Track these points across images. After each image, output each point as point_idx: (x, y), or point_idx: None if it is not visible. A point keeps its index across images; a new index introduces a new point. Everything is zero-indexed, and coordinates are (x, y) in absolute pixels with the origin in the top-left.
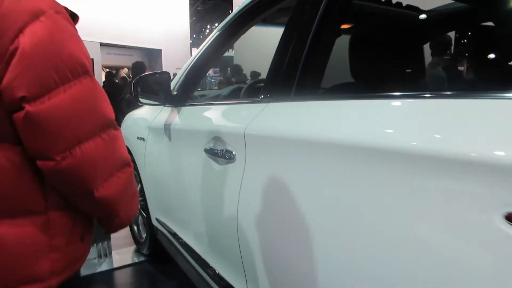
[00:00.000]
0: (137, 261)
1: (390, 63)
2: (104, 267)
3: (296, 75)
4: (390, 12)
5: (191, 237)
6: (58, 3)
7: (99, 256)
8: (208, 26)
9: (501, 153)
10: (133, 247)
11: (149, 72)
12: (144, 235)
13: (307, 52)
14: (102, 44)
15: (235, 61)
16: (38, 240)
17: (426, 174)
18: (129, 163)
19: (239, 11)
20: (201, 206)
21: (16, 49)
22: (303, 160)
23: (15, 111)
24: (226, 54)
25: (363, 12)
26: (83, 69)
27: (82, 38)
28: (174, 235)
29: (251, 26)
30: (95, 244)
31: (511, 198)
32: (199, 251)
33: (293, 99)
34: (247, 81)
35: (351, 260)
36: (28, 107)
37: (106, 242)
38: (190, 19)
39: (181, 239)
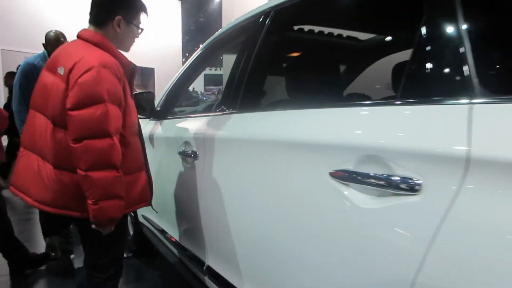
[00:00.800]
0: (125, 256)
1: (309, 85)
2: None
3: (240, 94)
4: (311, 41)
5: (169, 226)
6: (108, 58)
7: None
8: (200, 45)
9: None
10: None
11: (138, 92)
12: (131, 232)
13: (248, 76)
14: None
15: (224, 79)
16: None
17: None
18: (116, 166)
19: (210, 41)
20: (175, 197)
21: (76, 84)
22: (241, 154)
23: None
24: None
25: (292, 44)
26: (100, 98)
27: None
28: (156, 227)
29: (221, 53)
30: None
31: (332, 162)
32: (175, 236)
33: (238, 112)
34: None
35: (268, 220)
36: (68, 112)
37: None
38: (183, 38)
39: (162, 229)
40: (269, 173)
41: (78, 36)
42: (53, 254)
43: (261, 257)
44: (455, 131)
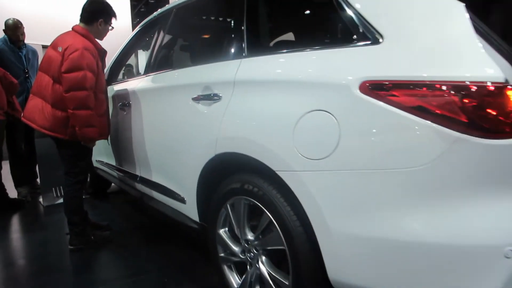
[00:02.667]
0: (84, 197)
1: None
2: (60, 200)
3: (151, 62)
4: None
5: (114, 159)
6: (90, 45)
7: (56, 195)
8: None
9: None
10: None
11: None
12: (88, 179)
13: (157, 51)
14: (44, 47)
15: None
16: (67, 120)
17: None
18: (90, 108)
19: (142, 24)
20: (117, 137)
21: (68, 58)
22: (149, 100)
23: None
24: None
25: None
26: (82, 67)
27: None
28: (109, 165)
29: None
30: (53, 188)
31: (192, 92)
32: (119, 165)
33: (150, 75)
34: None
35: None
36: (63, 74)
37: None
38: (133, 21)
39: (110, 164)
40: (160, 106)
41: (72, 29)
42: (24, 199)
43: (160, 157)
44: (231, 71)
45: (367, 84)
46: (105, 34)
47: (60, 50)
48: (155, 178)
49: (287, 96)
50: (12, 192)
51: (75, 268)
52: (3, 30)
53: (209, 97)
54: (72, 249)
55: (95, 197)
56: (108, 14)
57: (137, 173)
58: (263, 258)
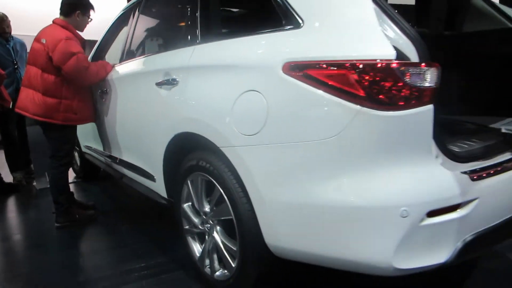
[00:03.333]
0: (75, 180)
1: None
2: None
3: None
4: None
5: (99, 144)
6: (71, 34)
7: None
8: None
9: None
10: (73, 176)
11: None
12: (78, 163)
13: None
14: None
15: None
16: (57, 106)
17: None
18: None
19: (118, 15)
20: (100, 123)
21: (55, 50)
22: (124, 87)
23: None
24: None
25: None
26: (72, 53)
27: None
28: (95, 150)
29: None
30: (46, 172)
31: (157, 77)
32: (103, 149)
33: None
34: None
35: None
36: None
37: None
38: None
39: (96, 149)
40: (131, 92)
41: (53, 21)
42: (19, 183)
43: (133, 140)
44: (186, 57)
45: (288, 65)
46: (84, 26)
47: (44, 42)
48: (130, 159)
49: (227, 79)
50: (8, 177)
51: (60, 243)
52: None
53: (169, 82)
54: (58, 226)
55: (85, 180)
56: (84, 6)
57: (117, 155)
58: (218, 228)
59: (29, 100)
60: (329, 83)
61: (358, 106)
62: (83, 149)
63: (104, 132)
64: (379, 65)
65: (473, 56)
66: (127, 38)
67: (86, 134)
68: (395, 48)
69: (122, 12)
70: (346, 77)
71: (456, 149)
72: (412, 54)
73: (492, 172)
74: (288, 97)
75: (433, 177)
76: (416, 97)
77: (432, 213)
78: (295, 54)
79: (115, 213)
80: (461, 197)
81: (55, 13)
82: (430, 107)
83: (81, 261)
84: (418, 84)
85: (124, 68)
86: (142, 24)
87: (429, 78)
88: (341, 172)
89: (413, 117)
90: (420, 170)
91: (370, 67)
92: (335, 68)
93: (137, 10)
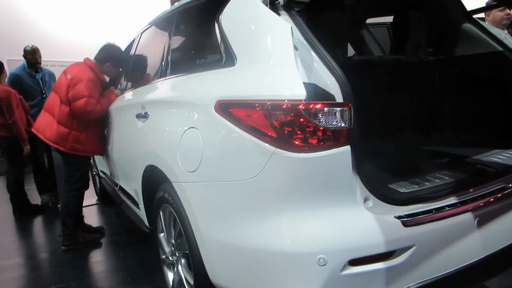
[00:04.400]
0: (94, 203)
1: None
2: None
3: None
4: None
5: (107, 170)
6: (94, 75)
7: None
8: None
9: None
10: (94, 198)
11: None
12: (98, 186)
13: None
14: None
15: None
16: (67, 135)
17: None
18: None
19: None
20: (107, 151)
21: (74, 87)
22: (120, 116)
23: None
24: None
25: None
26: (83, 96)
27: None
28: (105, 173)
29: None
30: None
31: (136, 111)
32: (109, 174)
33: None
34: None
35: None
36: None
37: None
38: None
39: (105, 173)
40: (122, 122)
41: (84, 61)
42: (45, 205)
43: (125, 167)
44: (155, 92)
45: (218, 104)
46: (113, 75)
47: (69, 77)
48: (124, 185)
49: (177, 114)
50: (36, 199)
51: (59, 266)
52: (23, 55)
53: (144, 115)
54: (64, 249)
55: (104, 203)
56: (116, 60)
57: (117, 181)
58: (182, 260)
59: (45, 123)
60: (248, 123)
61: (273, 148)
62: (100, 173)
63: (107, 158)
64: (285, 106)
65: (458, 82)
66: (127, 70)
67: (100, 159)
68: (321, 88)
69: (129, 43)
70: (260, 117)
71: (402, 189)
72: (338, 94)
73: (434, 217)
74: (218, 135)
75: (356, 222)
76: (330, 138)
77: (356, 262)
78: (224, 93)
79: (121, 237)
80: (390, 244)
81: (85, 42)
82: (346, 148)
83: (70, 285)
84: (331, 125)
85: (121, 99)
86: (138, 57)
87: (342, 118)
88: (261, 215)
89: (328, 159)
90: (341, 214)
91: (279, 108)
92: (251, 108)
93: (136, 42)
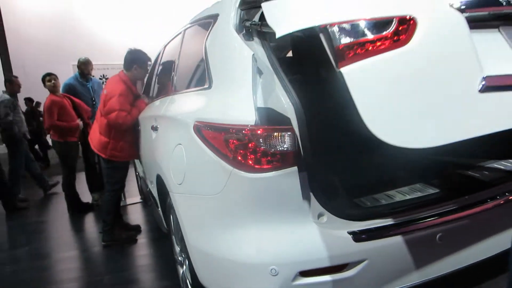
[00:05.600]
0: (137, 201)
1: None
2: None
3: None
4: None
5: (142, 172)
6: (125, 87)
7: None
8: None
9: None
10: (138, 197)
11: None
12: (139, 186)
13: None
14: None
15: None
16: (107, 144)
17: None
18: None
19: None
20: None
21: (108, 101)
22: (146, 125)
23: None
24: None
25: None
26: (114, 109)
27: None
28: (141, 175)
29: None
30: None
31: (151, 123)
32: (145, 179)
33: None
34: None
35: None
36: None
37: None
38: None
39: (141, 176)
40: (144, 131)
41: (119, 74)
42: (95, 202)
43: (149, 172)
44: (162, 107)
45: (196, 124)
46: (144, 76)
47: (105, 93)
48: (150, 188)
49: (172, 130)
50: (89, 197)
51: (96, 259)
52: (77, 65)
53: (155, 128)
54: (104, 244)
55: (145, 202)
56: (141, 60)
57: (147, 183)
58: (186, 261)
59: (93, 133)
60: (213, 144)
61: (231, 167)
62: (140, 174)
63: (141, 162)
64: (236, 130)
65: None
66: (153, 79)
67: (138, 162)
68: (277, 112)
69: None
70: (221, 140)
71: (365, 204)
72: (294, 118)
73: (388, 233)
74: (195, 153)
75: (307, 236)
76: (277, 160)
77: (307, 273)
78: (201, 114)
79: (155, 234)
80: (340, 258)
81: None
82: (294, 169)
83: (103, 278)
84: (277, 148)
85: (147, 108)
86: (161, 69)
87: (287, 142)
88: (226, 227)
89: (277, 179)
90: (293, 229)
91: (231, 132)
92: (215, 131)
93: (161, 55)
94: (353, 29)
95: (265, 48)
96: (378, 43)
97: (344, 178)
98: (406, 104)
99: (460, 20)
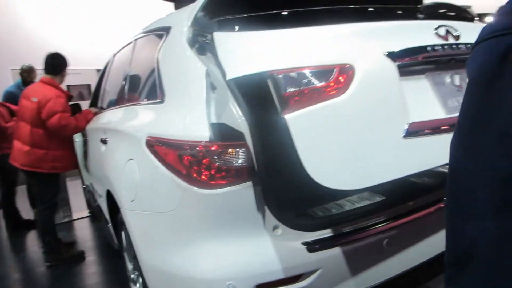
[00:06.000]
0: (85, 215)
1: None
2: (67, 219)
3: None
4: None
5: (91, 185)
6: (60, 92)
7: (65, 214)
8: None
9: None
10: (86, 211)
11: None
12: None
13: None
14: (98, 70)
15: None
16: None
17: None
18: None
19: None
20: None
21: (44, 106)
22: (93, 136)
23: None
24: None
25: None
26: (56, 111)
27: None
28: (87, 188)
29: None
30: (61, 209)
31: (100, 136)
32: (92, 189)
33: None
34: None
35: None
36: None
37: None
38: None
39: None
40: (93, 142)
41: (41, 80)
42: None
43: (97, 185)
44: (110, 119)
45: (147, 139)
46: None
47: (35, 100)
48: (101, 203)
49: (123, 144)
50: (30, 213)
51: (41, 281)
52: (20, 73)
53: (104, 141)
54: (48, 265)
55: (92, 216)
56: (67, 64)
57: (97, 198)
58: (140, 279)
59: (18, 151)
60: (166, 160)
61: (185, 184)
62: (88, 188)
63: (89, 175)
64: (189, 146)
65: None
66: (102, 89)
67: (86, 174)
68: (231, 128)
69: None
70: (174, 156)
71: (317, 215)
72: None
73: (340, 241)
74: (148, 169)
75: (263, 249)
76: (232, 175)
77: (264, 286)
78: (153, 129)
79: (103, 251)
80: (295, 269)
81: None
82: (248, 184)
83: None
84: (231, 164)
85: (96, 119)
86: (110, 80)
87: (241, 158)
88: (181, 244)
89: (231, 195)
90: (249, 243)
91: (185, 148)
92: (168, 147)
93: (110, 65)
94: (298, 77)
95: (219, 63)
96: (320, 92)
97: (298, 190)
98: (339, 149)
99: (392, 68)
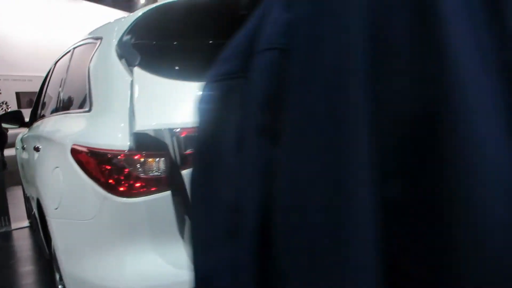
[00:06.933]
0: (25, 225)
1: None
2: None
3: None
4: None
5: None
6: None
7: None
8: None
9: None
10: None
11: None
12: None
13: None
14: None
15: None
16: None
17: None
18: None
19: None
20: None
21: None
22: (31, 145)
23: None
24: None
25: None
26: None
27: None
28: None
29: None
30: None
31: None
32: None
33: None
34: None
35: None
36: None
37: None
38: None
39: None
40: (28, 151)
41: None
42: None
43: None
44: (42, 127)
45: (72, 147)
46: None
47: None
48: (36, 212)
49: (51, 152)
50: None
51: None
52: None
53: (37, 149)
54: None
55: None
56: None
57: (33, 207)
58: None
59: None
60: (88, 168)
61: (105, 192)
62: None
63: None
64: (110, 156)
65: None
66: (42, 97)
67: (25, 184)
68: (154, 138)
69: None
70: (95, 164)
71: None
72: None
73: None
74: (71, 177)
75: (184, 257)
76: (150, 185)
77: None
78: (78, 137)
79: (41, 262)
80: None
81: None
82: (167, 193)
83: None
84: (149, 174)
85: (33, 127)
86: (49, 87)
87: (159, 167)
88: (101, 253)
89: (151, 203)
90: (170, 251)
91: (105, 157)
92: (90, 156)
93: (50, 73)
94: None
95: (146, 74)
96: None
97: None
98: None
99: None
